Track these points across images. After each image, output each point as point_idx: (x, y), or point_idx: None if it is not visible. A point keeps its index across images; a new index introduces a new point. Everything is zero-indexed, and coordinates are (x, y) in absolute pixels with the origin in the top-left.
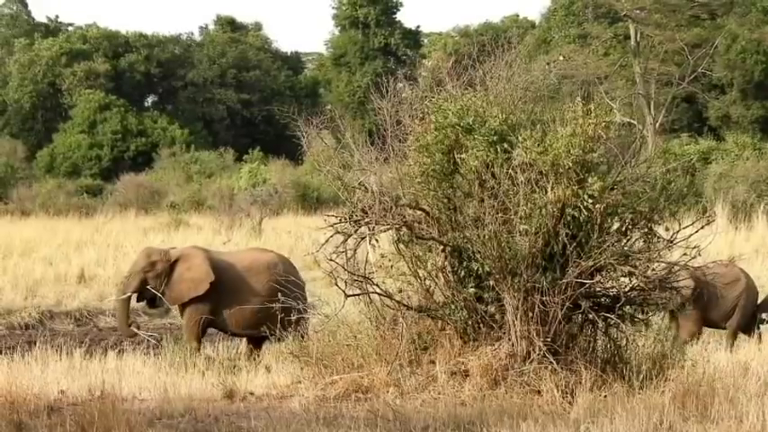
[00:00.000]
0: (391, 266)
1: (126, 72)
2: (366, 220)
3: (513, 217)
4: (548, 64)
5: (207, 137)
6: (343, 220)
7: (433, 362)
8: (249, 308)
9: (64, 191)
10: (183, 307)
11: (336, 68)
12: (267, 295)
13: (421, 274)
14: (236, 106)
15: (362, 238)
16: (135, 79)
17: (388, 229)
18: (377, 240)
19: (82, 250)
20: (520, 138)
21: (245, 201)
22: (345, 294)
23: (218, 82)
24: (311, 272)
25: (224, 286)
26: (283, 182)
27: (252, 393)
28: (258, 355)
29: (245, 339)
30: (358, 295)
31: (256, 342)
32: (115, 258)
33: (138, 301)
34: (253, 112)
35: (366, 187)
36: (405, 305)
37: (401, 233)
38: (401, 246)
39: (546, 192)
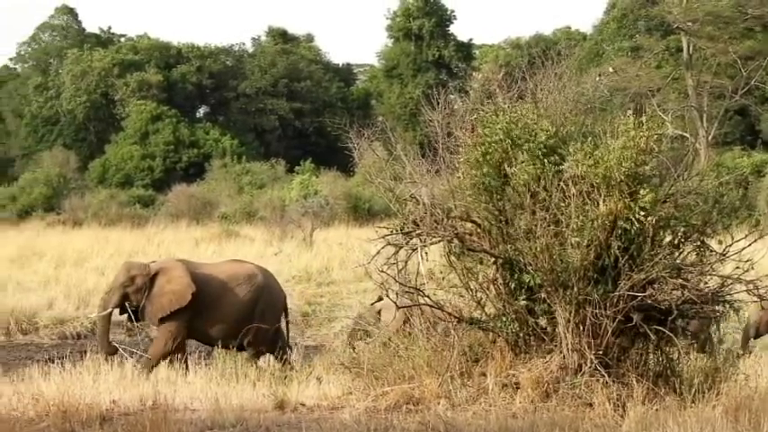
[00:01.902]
0: (443, 278)
1: (178, 83)
2: (417, 231)
3: (564, 229)
4: (599, 76)
5: (258, 148)
6: (394, 232)
7: (484, 374)
8: (229, 319)
9: (116, 201)
10: (161, 320)
11: (388, 80)
12: (247, 306)
13: (472, 286)
14: (288, 116)
15: (414, 250)
16: (187, 90)
17: (440, 241)
18: (426, 252)
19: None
20: (570, 150)
21: (297, 212)
22: (397, 306)
23: (270, 92)
24: (362, 283)
25: (204, 299)
26: (335, 193)
27: (303, 404)
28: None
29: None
30: (409, 306)
31: (240, 350)
32: None
33: (120, 314)
34: (304, 123)
35: (417, 199)
36: (456, 317)
37: (452, 245)
38: (452, 258)
39: (597, 204)
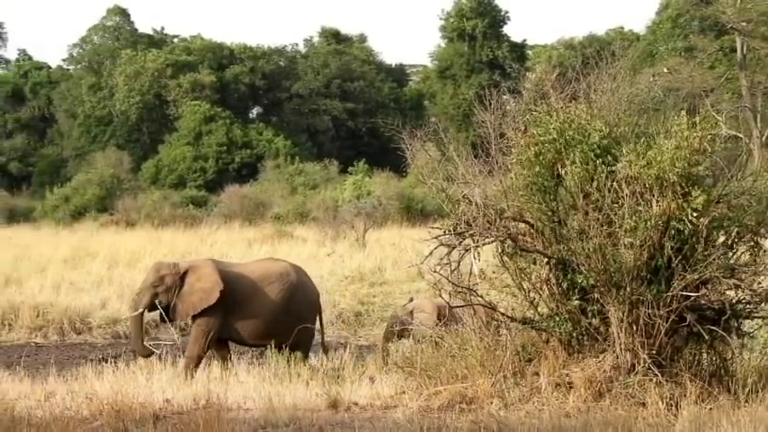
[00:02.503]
0: (495, 278)
1: (231, 84)
2: (470, 232)
3: (617, 230)
4: (653, 77)
5: (311, 148)
6: (447, 233)
7: (537, 373)
8: (262, 318)
9: (169, 202)
10: (194, 319)
11: (441, 81)
12: (280, 305)
13: (525, 287)
14: (341, 116)
15: (466, 251)
16: (240, 91)
17: (492, 242)
18: (478, 253)
19: None
20: (624, 151)
21: (350, 212)
22: (450, 306)
23: (323, 92)
24: (415, 283)
25: (236, 297)
26: (387, 194)
27: (356, 403)
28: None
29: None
30: (462, 306)
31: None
32: None
33: (149, 312)
34: (357, 124)
35: (470, 200)
36: (509, 317)
37: (505, 245)
38: (505, 258)
39: (651, 205)
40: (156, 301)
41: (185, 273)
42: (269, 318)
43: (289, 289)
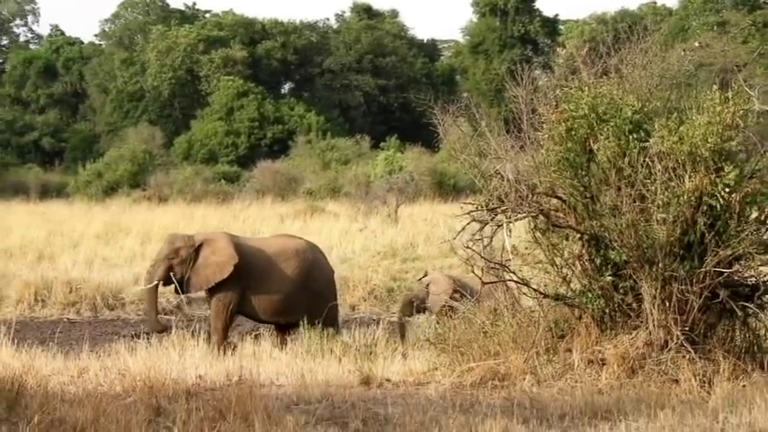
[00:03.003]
0: (528, 254)
1: (263, 59)
2: (502, 208)
3: (650, 206)
4: (684, 51)
5: (343, 124)
6: (479, 208)
7: (569, 350)
8: (276, 294)
9: (201, 177)
10: (210, 294)
11: (473, 56)
12: (295, 282)
13: (558, 263)
14: (372, 92)
15: (499, 226)
16: (272, 66)
17: (525, 218)
18: (511, 228)
19: None
20: (656, 126)
21: (382, 188)
22: (482, 282)
23: (355, 68)
24: (447, 259)
25: (251, 271)
26: (419, 169)
27: (388, 380)
28: (285, 345)
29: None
30: (494, 282)
31: (283, 329)
32: None
33: (164, 285)
34: (389, 99)
35: (502, 175)
36: (541, 293)
37: (538, 221)
38: (538, 234)
39: (683, 181)
40: (171, 274)
41: (200, 245)
42: (284, 294)
43: (305, 266)
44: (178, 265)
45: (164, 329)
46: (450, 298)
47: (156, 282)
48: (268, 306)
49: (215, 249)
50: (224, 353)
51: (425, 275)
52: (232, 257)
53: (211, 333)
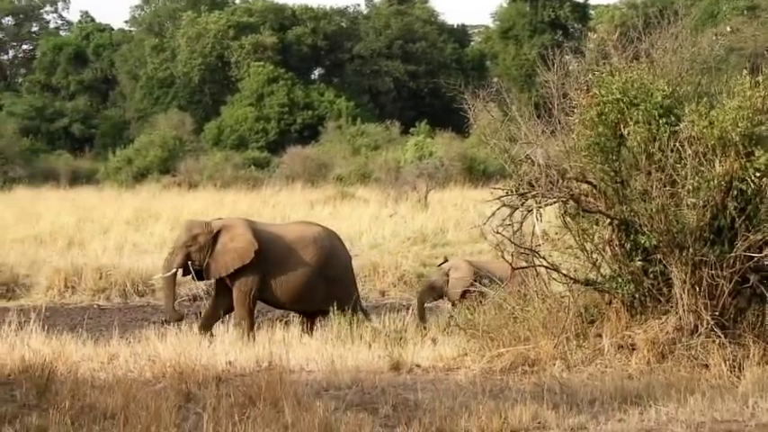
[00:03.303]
0: (558, 239)
1: (293, 45)
2: (533, 193)
3: (680, 190)
4: (715, 36)
5: (373, 109)
6: (509, 193)
7: (599, 335)
8: (295, 281)
9: (231, 163)
10: (232, 281)
11: (503, 41)
12: (313, 269)
13: (588, 248)
14: (402, 78)
15: (529, 211)
16: (302, 52)
17: (555, 203)
18: (541, 213)
19: None
20: (686, 111)
21: (412, 173)
22: (512, 267)
23: (385, 54)
24: (477, 244)
25: (270, 258)
26: (450, 155)
27: (418, 365)
28: (311, 332)
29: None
30: (525, 268)
31: (309, 317)
32: None
33: (183, 275)
34: (419, 85)
35: (533, 160)
36: (572, 278)
37: (568, 206)
38: (568, 219)
39: (713, 165)
40: (189, 261)
41: (218, 232)
42: (303, 281)
43: (323, 253)
44: (196, 252)
45: (181, 318)
46: (471, 284)
47: (174, 269)
48: (286, 293)
49: (233, 236)
50: (254, 339)
51: (445, 261)
52: (251, 244)
53: (238, 322)
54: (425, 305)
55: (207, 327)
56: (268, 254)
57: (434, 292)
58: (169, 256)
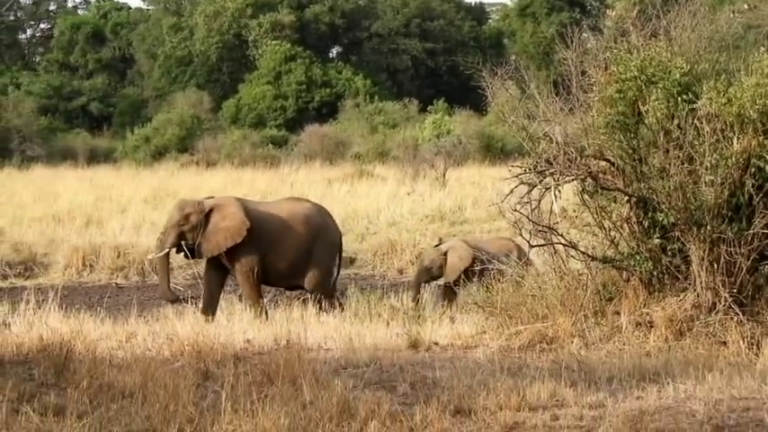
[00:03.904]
0: (576, 217)
1: (311, 23)
2: (551, 170)
3: (698, 168)
4: (733, 13)
5: (391, 87)
6: (527, 171)
7: (617, 312)
8: (286, 258)
9: (249, 142)
10: (231, 263)
11: (521, 19)
12: (304, 246)
13: (606, 225)
14: (420, 56)
15: (547, 189)
16: (320, 30)
17: (573, 180)
18: (559, 191)
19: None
20: (704, 88)
21: (430, 151)
22: (530, 245)
23: (403, 32)
24: (495, 222)
25: (263, 236)
26: (467, 132)
27: (436, 343)
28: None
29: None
30: (543, 246)
31: (292, 291)
32: None
33: (177, 253)
34: (437, 63)
35: (551, 138)
36: (590, 256)
37: (586, 184)
38: (586, 196)
39: (731, 142)
40: (182, 241)
41: (210, 211)
42: (295, 257)
43: (313, 230)
44: (189, 232)
45: (176, 299)
46: (470, 265)
47: (167, 249)
48: (278, 269)
49: (225, 215)
50: (266, 316)
51: (440, 242)
52: (243, 222)
53: (245, 300)
54: (421, 285)
55: (210, 309)
56: (261, 232)
57: (431, 272)
58: (162, 236)
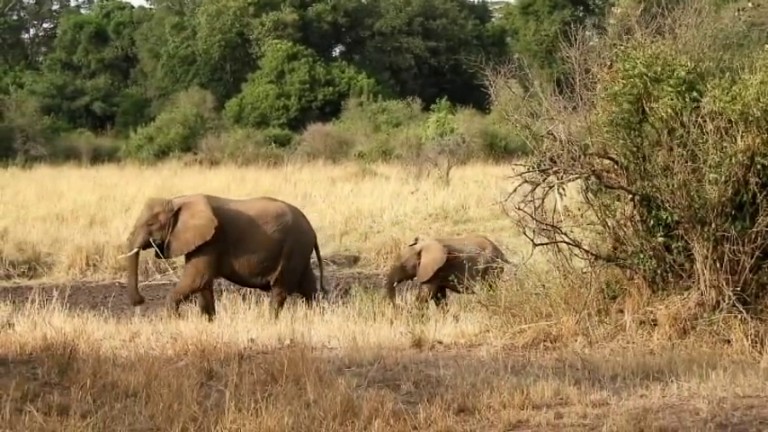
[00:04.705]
0: (580, 215)
1: (313, 22)
2: (554, 169)
3: (702, 166)
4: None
5: (394, 86)
6: (531, 170)
7: (621, 311)
8: (255, 257)
9: (252, 141)
10: (188, 256)
11: (524, 17)
12: (274, 244)
13: (609, 224)
14: (423, 55)
15: (550, 187)
16: (322, 29)
17: (577, 179)
18: (563, 189)
19: None
20: (708, 86)
21: (433, 150)
22: (534, 243)
23: (406, 30)
24: (499, 221)
25: (230, 234)
26: (471, 131)
27: (440, 342)
28: (281, 307)
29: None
30: (546, 244)
31: (265, 290)
32: (304, 208)
33: (145, 249)
34: (440, 61)
35: (554, 136)
36: (593, 254)
37: (589, 182)
38: (589, 195)
39: (735, 140)
40: (151, 240)
41: (179, 210)
42: (263, 257)
43: (284, 229)
44: (158, 231)
45: (141, 301)
46: (444, 266)
47: (136, 249)
48: (246, 268)
49: (194, 213)
50: (174, 310)
51: (416, 242)
52: (212, 221)
53: (175, 289)
54: (395, 285)
55: (207, 308)
56: (229, 230)
57: (405, 271)
58: (131, 236)
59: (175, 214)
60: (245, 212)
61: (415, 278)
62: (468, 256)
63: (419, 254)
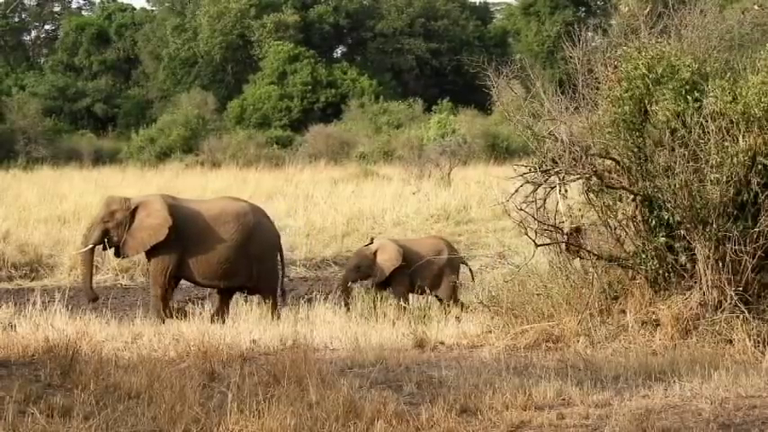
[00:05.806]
0: (581, 216)
1: (315, 23)
2: (556, 169)
3: (704, 166)
4: (742, 12)
5: (396, 87)
6: (532, 170)
7: (623, 311)
8: (215, 258)
9: (254, 142)
10: (148, 257)
11: (526, 18)
12: (234, 245)
13: (611, 224)
14: (424, 56)
15: (552, 188)
16: (324, 30)
17: (579, 179)
18: (566, 190)
19: (272, 201)
20: (710, 86)
21: (434, 151)
22: (535, 244)
23: (407, 32)
24: (500, 221)
25: (188, 234)
26: (472, 132)
27: (442, 343)
28: (227, 310)
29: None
30: (548, 245)
31: (226, 294)
32: (306, 209)
33: (103, 250)
34: (442, 62)
35: (556, 137)
36: (595, 255)
37: (591, 183)
38: (591, 195)
39: (737, 140)
40: (106, 237)
41: (136, 208)
42: (223, 258)
43: (245, 230)
44: (114, 229)
45: (96, 298)
46: (399, 266)
47: (91, 245)
48: (206, 270)
49: (150, 212)
50: (168, 317)
51: (371, 242)
52: (166, 220)
53: (151, 298)
54: (350, 285)
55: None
56: (185, 230)
57: (360, 272)
58: (87, 232)
59: (132, 213)
60: (203, 212)
61: (370, 279)
62: (425, 256)
63: (375, 254)
